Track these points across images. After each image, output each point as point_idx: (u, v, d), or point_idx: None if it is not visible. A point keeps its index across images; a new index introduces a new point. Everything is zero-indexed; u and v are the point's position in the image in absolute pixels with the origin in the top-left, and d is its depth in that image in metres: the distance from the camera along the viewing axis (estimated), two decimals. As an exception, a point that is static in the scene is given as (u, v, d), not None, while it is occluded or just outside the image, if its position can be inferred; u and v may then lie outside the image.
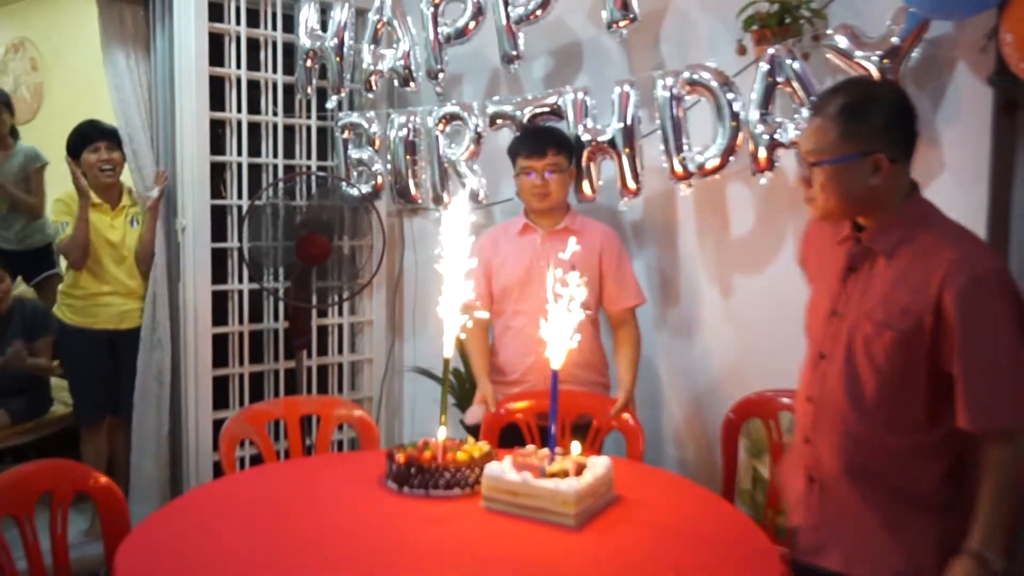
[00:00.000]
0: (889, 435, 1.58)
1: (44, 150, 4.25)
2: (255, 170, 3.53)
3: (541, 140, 2.73)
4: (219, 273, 3.44)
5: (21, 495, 1.82)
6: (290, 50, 3.55)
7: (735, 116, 2.59)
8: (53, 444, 3.85)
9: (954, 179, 2.40)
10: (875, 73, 2.33)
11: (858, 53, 2.36)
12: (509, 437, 2.51)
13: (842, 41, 2.38)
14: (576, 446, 1.91)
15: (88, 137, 3.38)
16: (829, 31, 2.44)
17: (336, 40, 3.40)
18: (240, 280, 3.50)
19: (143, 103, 3.37)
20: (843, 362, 1.63)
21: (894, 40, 2.31)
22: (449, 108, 3.23)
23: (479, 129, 3.15)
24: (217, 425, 3.29)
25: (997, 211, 2.35)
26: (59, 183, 3.65)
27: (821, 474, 1.66)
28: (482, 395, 2.74)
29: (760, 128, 2.54)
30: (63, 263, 3.58)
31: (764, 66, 2.51)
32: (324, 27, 3.47)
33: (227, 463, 2.34)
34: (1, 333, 3.71)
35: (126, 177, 3.46)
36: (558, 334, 1.89)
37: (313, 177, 3.61)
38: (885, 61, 2.32)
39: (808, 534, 1.70)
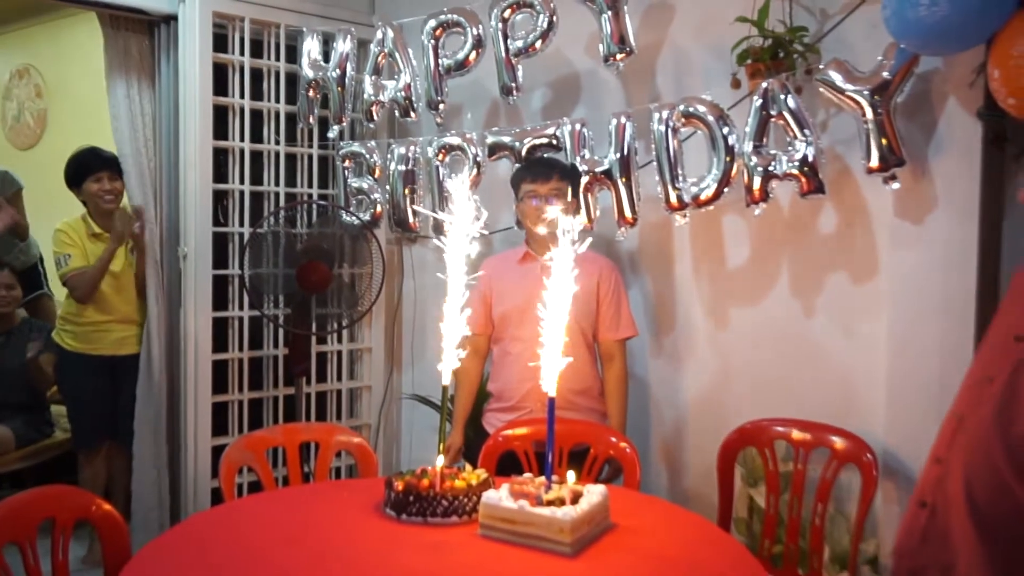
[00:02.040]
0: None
1: (47, 176, 4.29)
2: (257, 198, 3.57)
3: (546, 166, 2.78)
4: (220, 300, 3.47)
5: (24, 521, 1.83)
6: (293, 80, 3.60)
7: (730, 148, 2.63)
8: (51, 470, 3.86)
9: (946, 211, 2.44)
10: (866, 107, 2.38)
11: (850, 87, 2.41)
12: (507, 465, 2.52)
13: (834, 75, 2.43)
14: (571, 475, 1.92)
15: (89, 166, 3.42)
16: (821, 66, 2.49)
17: (338, 70, 3.45)
18: (240, 307, 3.52)
19: (142, 132, 3.41)
20: (1004, 386, 1.47)
21: (885, 75, 2.36)
22: (449, 138, 3.28)
23: (478, 159, 3.19)
24: (216, 451, 3.30)
25: (987, 243, 2.39)
26: (61, 210, 3.68)
27: (939, 498, 1.52)
28: (448, 443, 2.80)
29: (754, 160, 2.58)
30: (52, 284, 3.60)
31: (758, 99, 2.55)
32: (326, 58, 3.52)
33: (227, 490, 2.35)
34: (8, 344, 3.75)
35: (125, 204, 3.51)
36: (555, 362, 1.91)
37: (314, 205, 3.65)
38: (876, 96, 2.37)
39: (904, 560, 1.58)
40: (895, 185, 2.42)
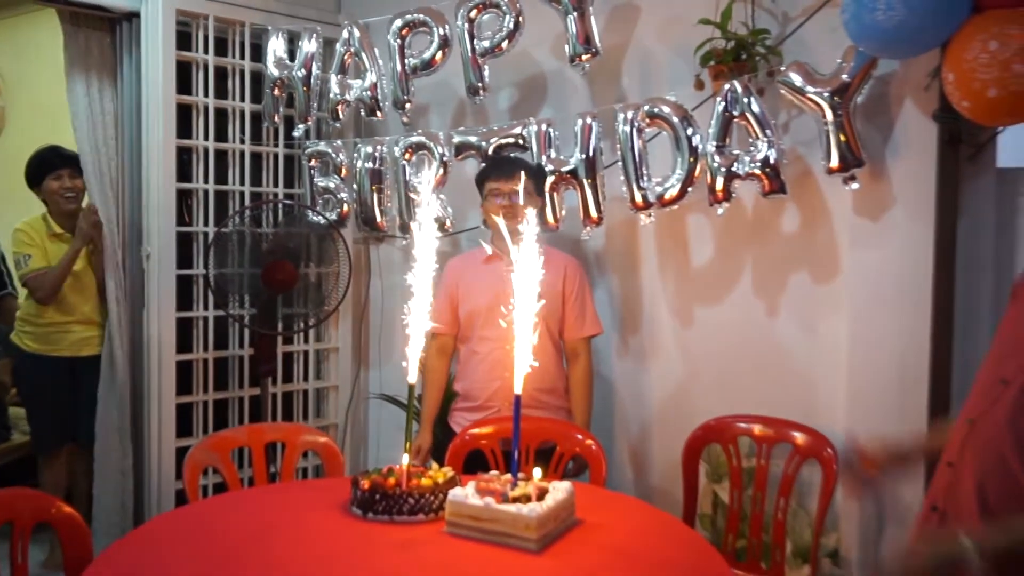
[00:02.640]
0: None
1: (5, 175, 4.23)
2: (221, 197, 3.54)
3: (511, 164, 2.80)
4: (184, 300, 3.42)
5: (-19, 524, 1.81)
6: (258, 79, 3.57)
7: (693, 148, 2.66)
8: (11, 474, 3.79)
9: (904, 210, 2.50)
10: (826, 108, 2.43)
11: (810, 89, 2.46)
12: (474, 463, 2.53)
13: (795, 77, 2.48)
14: (538, 471, 1.94)
15: (50, 164, 3.37)
16: (783, 68, 2.54)
17: (304, 70, 3.43)
18: (205, 307, 3.48)
19: (104, 130, 3.36)
20: (1020, 388, 1.46)
21: (844, 77, 2.42)
22: (415, 138, 3.27)
23: (445, 158, 3.20)
24: (180, 453, 3.27)
25: (943, 241, 2.45)
26: (19, 209, 3.62)
27: (950, 503, 1.52)
28: (417, 444, 2.80)
29: (717, 160, 2.61)
30: (19, 287, 3.55)
31: (721, 101, 2.59)
32: (292, 57, 3.50)
33: (191, 491, 2.33)
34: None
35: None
36: (521, 360, 1.92)
37: (280, 205, 3.63)
38: (836, 98, 2.41)
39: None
40: (854, 185, 2.47)
